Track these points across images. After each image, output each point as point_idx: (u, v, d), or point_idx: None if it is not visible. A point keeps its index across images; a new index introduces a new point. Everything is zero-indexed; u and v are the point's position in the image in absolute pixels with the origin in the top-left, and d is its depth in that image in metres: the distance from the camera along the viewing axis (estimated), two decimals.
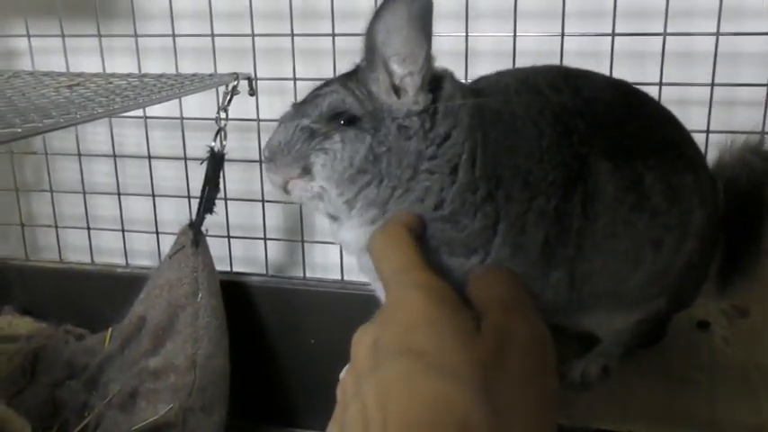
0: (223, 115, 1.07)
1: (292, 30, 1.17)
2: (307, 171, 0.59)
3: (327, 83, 0.62)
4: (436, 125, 0.57)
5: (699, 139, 0.83)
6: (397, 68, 0.57)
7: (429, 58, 0.56)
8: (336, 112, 0.58)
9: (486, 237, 0.56)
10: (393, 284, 0.47)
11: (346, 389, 0.45)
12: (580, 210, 0.58)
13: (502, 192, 0.57)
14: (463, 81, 0.64)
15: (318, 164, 0.58)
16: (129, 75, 1.09)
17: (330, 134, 0.57)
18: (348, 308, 1.21)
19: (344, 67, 0.63)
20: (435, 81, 0.58)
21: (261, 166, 1.25)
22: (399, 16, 0.55)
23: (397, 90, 0.58)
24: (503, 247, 0.56)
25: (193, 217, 1.14)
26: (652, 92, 0.72)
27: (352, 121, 0.58)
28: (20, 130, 0.64)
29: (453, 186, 0.56)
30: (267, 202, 1.28)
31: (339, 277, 1.28)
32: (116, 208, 1.38)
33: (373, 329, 0.45)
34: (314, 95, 0.61)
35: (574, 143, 0.59)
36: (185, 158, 1.28)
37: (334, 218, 0.62)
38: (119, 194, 1.37)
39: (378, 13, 0.55)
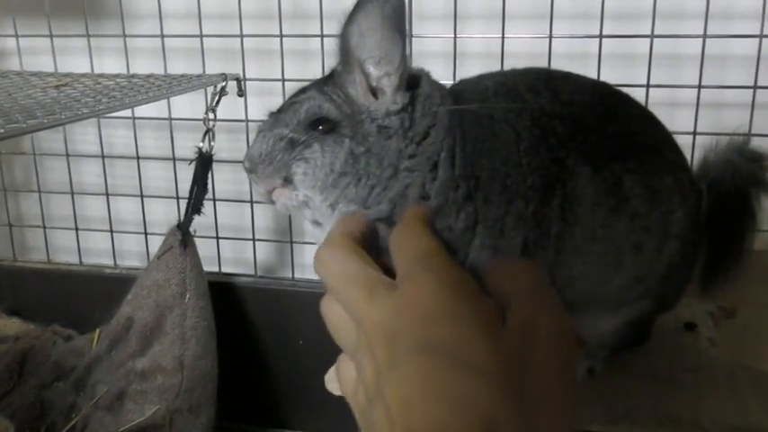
0: (211, 116, 1.07)
1: (281, 30, 1.17)
2: (288, 181, 0.59)
3: (303, 89, 0.61)
4: (415, 124, 0.57)
5: (686, 141, 0.84)
6: (373, 70, 0.57)
7: (404, 56, 0.56)
8: (314, 118, 0.58)
9: (466, 238, 0.56)
10: (411, 271, 0.45)
11: (368, 383, 0.43)
12: (559, 214, 0.58)
13: (480, 193, 0.56)
14: (448, 83, 0.64)
15: (299, 173, 0.58)
16: (117, 75, 1.09)
17: (309, 143, 0.57)
18: None
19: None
20: (412, 81, 0.58)
21: None
22: (372, 18, 0.54)
23: (374, 92, 0.58)
24: (481, 250, 0.56)
25: (182, 218, 1.14)
26: (639, 94, 0.72)
27: (330, 126, 0.57)
28: (2, 130, 0.64)
29: (435, 183, 0.56)
30: (256, 202, 1.28)
31: None
32: (105, 209, 1.37)
33: (390, 321, 0.42)
34: (290, 103, 0.61)
35: (552, 146, 0.59)
36: (174, 159, 1.28)
37: (318, 224, 0.62)
38: (107, 195, 1.36)
39: (350, 17, 0.55)
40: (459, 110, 0.59)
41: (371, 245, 0.53)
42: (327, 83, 0.60)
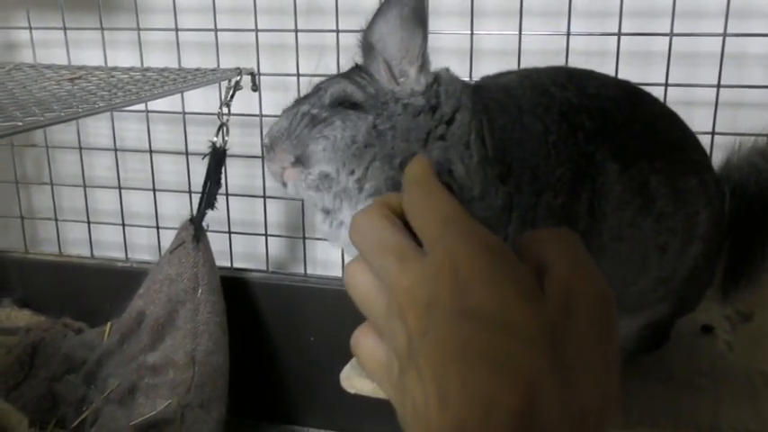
0: (225, 110, 1.07)
1: (296, 25, 1.17)
2: (300, 161, 0.58)
3: (328, 78, 0.62)
4: (441, 104, 0.57)
5: (704, 140, 0.82)
6: (396, 65, 0.58)
7: (426, 40, 0.57)
8: (339, 101, 0.58)
9: (504, 219, 0.56)
10: (440, 236, 0.43)
11: (401, 352, 0.41)
12: (587, 209, 0.58)
13: (512, 181, 0.56)
14: (465, 80, 0.64)
15: (319, 150, 0.57)
16: (131, 68, 1.08)
17: (331, 120, 0.57)
18: (349, 305, 1.20)
19: (348, 62, 0.63)
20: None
21: (263, 161, 1.25)
22: (392, 23, 0.56)
23: (397, 81, 0.58)
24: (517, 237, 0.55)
25: (194, 212, 1.14)
26: (657, 92, 0.71)
27: (354, 106, 0.57)
28: (20, 123, 0.63)
29: (473, 159, 0.56)
30: (269, 197, 1.28)
31: (340, 274, 1.27)
32: (117, 202, 1.37)
33: (423, 287, 0.41)
34: (316, 89, 0.61)
35: (580, 141, 0.59)
36: (187, 153, 1.28)
37: (328, 212, 0.60)
38: (119, 188, 1.36)
39: (371, 23, 0.57)
40: (482, 98, 0.59)
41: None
42: (353, 70, 0.60)
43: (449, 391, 0.37)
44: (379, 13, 0.56)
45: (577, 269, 0.42)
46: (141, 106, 1.29)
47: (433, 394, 0.38)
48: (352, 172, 0.57)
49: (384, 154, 0.56)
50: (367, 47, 0.58)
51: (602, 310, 0.41)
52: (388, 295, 0.44)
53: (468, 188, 0.56)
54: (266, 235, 1.30)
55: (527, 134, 0.58)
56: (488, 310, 0.39)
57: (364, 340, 0.47)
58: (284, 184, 0.60)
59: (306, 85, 0.65)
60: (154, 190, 1.34)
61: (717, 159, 0.80)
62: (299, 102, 0.61)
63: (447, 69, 0.61)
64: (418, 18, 0.56)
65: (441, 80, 0.59)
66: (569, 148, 0.58)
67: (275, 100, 1.21)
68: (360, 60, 0.61)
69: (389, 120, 0.56)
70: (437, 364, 0.38)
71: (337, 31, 1.13)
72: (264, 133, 0.61)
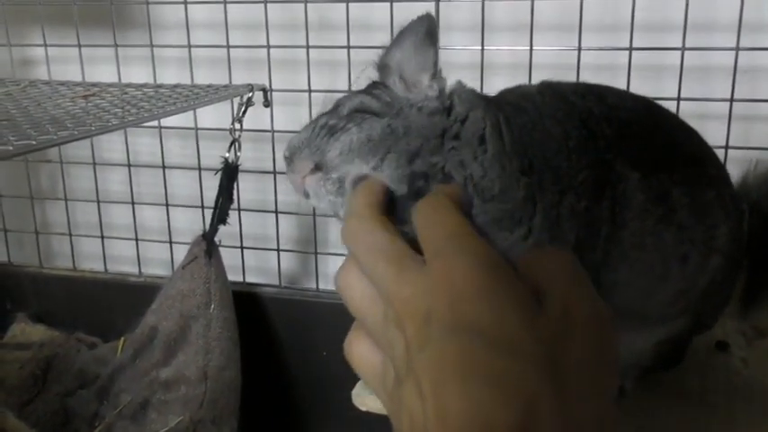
0: (237, 126, 1.07)
1: (308, 41, 1.17)
2: (319, 167, 0.58)
3: (347, 95, 0.63)
4: (455, 105, 0.58)
5: (718, 154, 0.82)
6: (411, 80, 0.59)
7: (437, 53, 0.58)
8: (356, 111, 0.59)
9: (528, 210, 0.55)
10: (443, 250, 0.43)
11: (398, 361, 0.41)
12: (609, 215, 0.57)
13: (535, 177, 0.56)
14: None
15: (336, 156, 0.57)
16: (144, 85, 1.09)
17: (348, 128, 0.58)
18: None
19: (359, 78, 0.64)
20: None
21: (275, 176, 1.25)
22: (408, 51, 0.58)
23: (411, 90, 0.60)
24: (542, 231, 0.55)
25: (207, 227, 1.14)
26: (670, 107, 0.71)
27: (370, 114, 0.59)
28: (34, 142, 0.64)
29: (486, 154, 0.55)
30: (281, 212, 1.28)
31: None
32: (130, 217, 1.38)
33: (422, 299, 0.41)
34: (335, 105, 0.62)
35: (600, 148, 0.59)
36: (199, 168, 1.29)
37: None
38: (133, 203, 1.37)
39: (387, 50, 0.60)
40: (499, 102, 0.60)
41: (391, 214, 0.51)
42: (369, 86, 0.62)
43: (448, 408, 0.37)
44: (395, 43, 0.59)
45: (575, 290, 0.42)
46: (154, 122, 1.30)
47: (431, 410, 0.37)
48: (368, 161, 0.57)
49: (399, 148, 0.56)
50: (383, 67, 0.60)
51: (600, 332, 0.41)
52: (385, 304, 0.44)
53: (484, 186, 0.55)
54: (278, 250, 1.31)
55: (547, 136, 0.58)
56: (488, 326, 0.39)
57: (357, 347, 0.47)
58: (306, 195, 0.60)
59: (317, 101, 0.65)
60: (167, 205, 1.34)
61: (730, 173, 0.79)
62: (319, 117, 0.62)
63: (459, 81, 0.62)
64: (431, 39, 0.58)
65: (454, 87, 0.60)
66: (589, 153, 0.58)
67: (287, 115, 1.22)
68: (374, 77, 0.62)
69: (404, 120, 0.57)
70: (436, 380, 0.38)
71: (348, 47, 1.14)
72: (285, 147, 0.61)
